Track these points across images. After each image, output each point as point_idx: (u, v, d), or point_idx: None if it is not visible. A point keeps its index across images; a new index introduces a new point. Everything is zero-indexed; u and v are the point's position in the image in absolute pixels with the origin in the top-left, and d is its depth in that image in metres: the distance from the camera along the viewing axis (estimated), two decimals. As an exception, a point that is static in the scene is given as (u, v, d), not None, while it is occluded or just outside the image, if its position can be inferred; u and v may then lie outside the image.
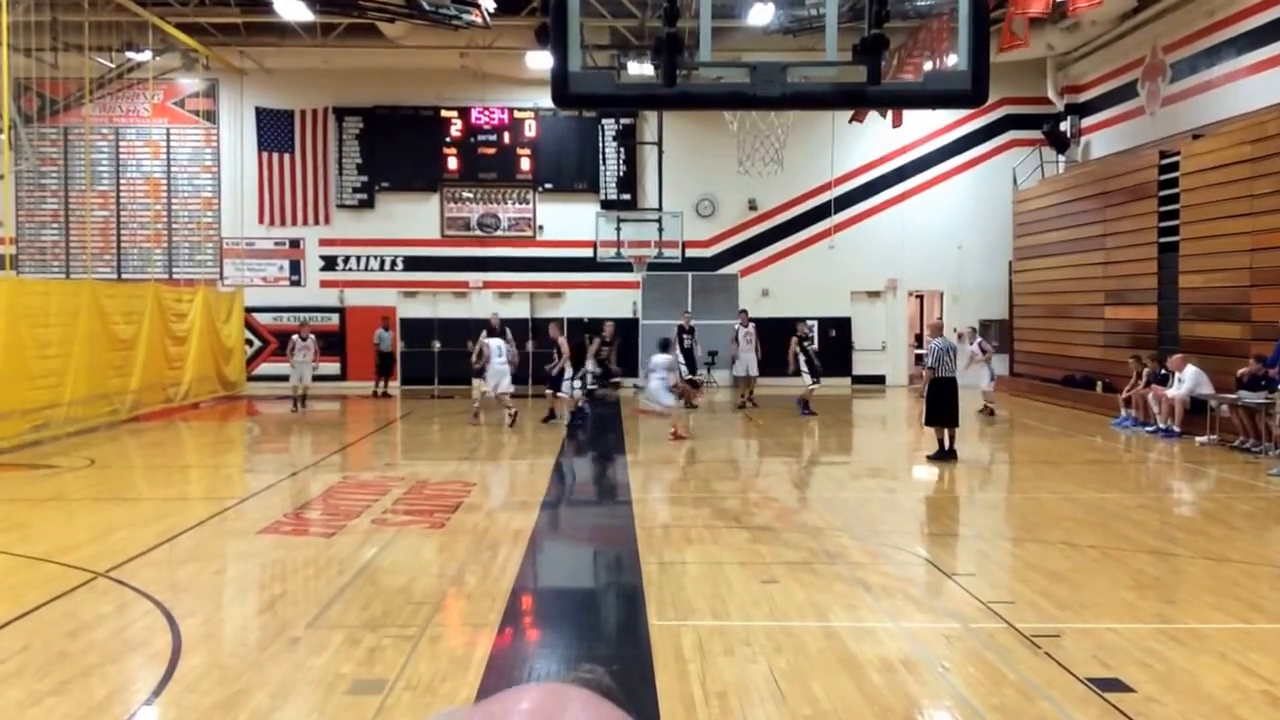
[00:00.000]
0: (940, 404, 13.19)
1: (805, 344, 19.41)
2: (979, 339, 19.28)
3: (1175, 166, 17.47)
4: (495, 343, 17.36)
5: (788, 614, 6.62)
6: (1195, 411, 15.34)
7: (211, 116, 24.59)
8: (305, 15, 19.92)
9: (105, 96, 23.78)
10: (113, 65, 22.55)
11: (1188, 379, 15.37)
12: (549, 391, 17.98)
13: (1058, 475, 12.46)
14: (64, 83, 22.58)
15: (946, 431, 13.25)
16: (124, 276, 23.96)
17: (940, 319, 16.39)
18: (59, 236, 24.45)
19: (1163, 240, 17.86)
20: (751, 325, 20.39)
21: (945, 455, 13.21)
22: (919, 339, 31.20)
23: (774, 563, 7.97)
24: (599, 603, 7.60)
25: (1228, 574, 7.69)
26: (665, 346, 16.10)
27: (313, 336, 20.45)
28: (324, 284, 24.75)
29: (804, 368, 18.96)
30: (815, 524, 9.50)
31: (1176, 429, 15.47)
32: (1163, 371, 16.23)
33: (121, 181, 24.53)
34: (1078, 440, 15.76)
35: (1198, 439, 14.90)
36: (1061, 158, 23.55)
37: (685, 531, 9.17)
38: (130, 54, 21.88)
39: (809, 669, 5.58)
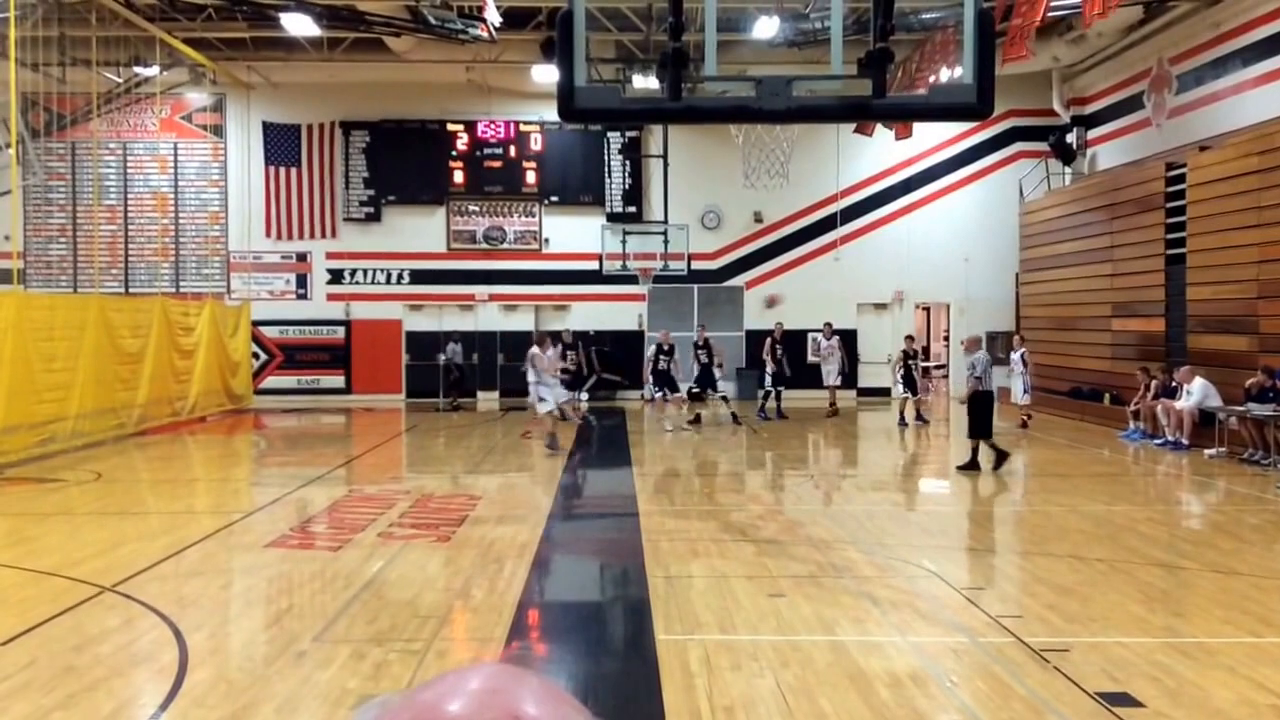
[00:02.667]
0: (984, 416, 13.39)
1: (910, 360, 19.78)
2: (1023, 349, 19.15)
3: (1182, 178, 17.44)
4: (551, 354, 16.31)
5: (795, 628, 6.60)
6: (1204, 424, 15.29)
7: (219, 131, 24.70)
8: (312, 30, 20.03)
9: (113, 111, 23.89)
10: (120, 80, 22.65)
11: (1196, 391, 15.32)
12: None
13: (1065, 488, 12.41)
14: (72, 98, 22.69)
15: (982, 443, 13.43)
16: (131, 290, 24.05)
17: (980, 334, 16.24)
18: (66, 251, 24.55)
19: (1170, 252, 17.81)
20: (836, 338, 20.77)
21: (976, 466, 13.41)
22: (926, 351, 31.18)
23: (781, 576, 7.94)
24: (605, 617, 7.57)
25: (1237, 587, 7.65)
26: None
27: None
28: (330, 297, 24.81)
29: (900, 381, 19.64)
30: (822, 537, 9.46)
31: (1185, 441, 15.41)
32: (1171, 384, 16.18)
33: (129, 196, 24.64)
34: (1085, 453, 15.70)
35: (1206, 451, 14.84)
36: (1068, 169, 23.53)
37: (691, 545, 9.14)
38: (138, 69, 22.00)
39: (816, 684, 5.55)
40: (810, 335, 24.48)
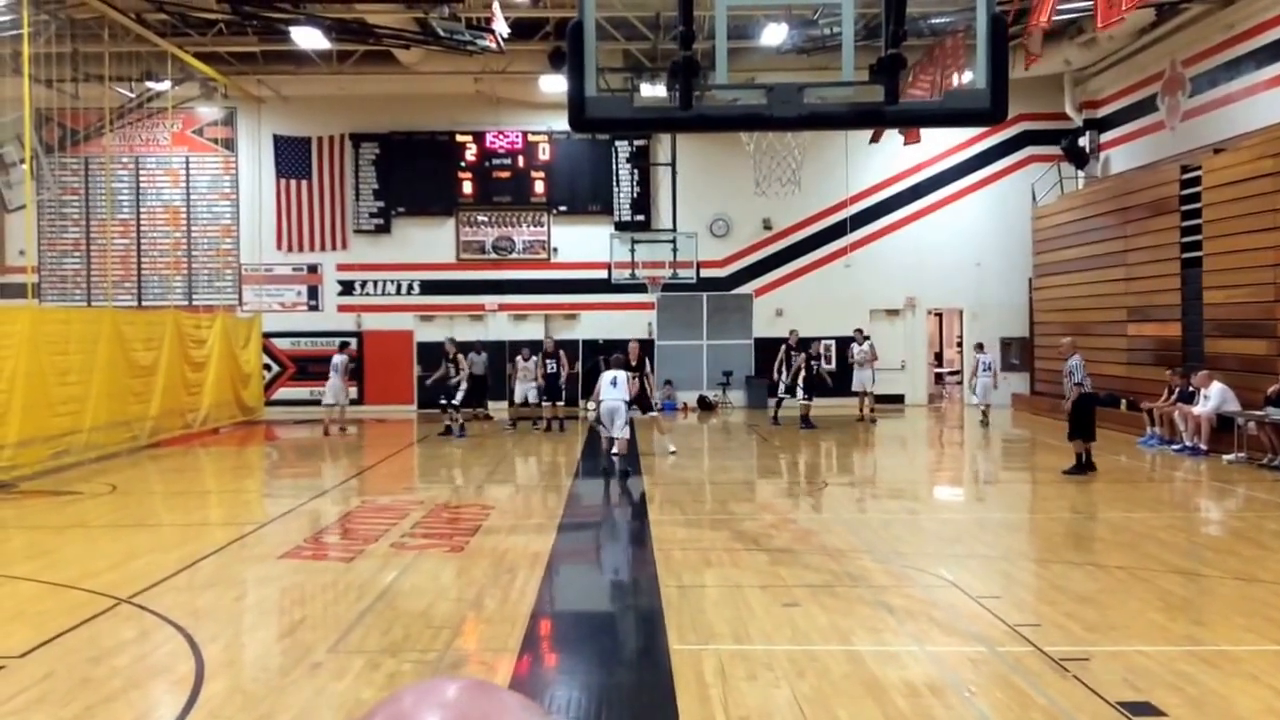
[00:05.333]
0: (1088, 419, 13.55)
1: (814, 363, 20.29)
2: (990, 355, 20.88)
3: (1196, 181, 17.35)
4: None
5: (810, 638, 6.55)
6: (1222, 429, 15.18)
7: (230, 144, 24.83)
8: (321, 43, 20.12)
9: (125, 126, 24.06)
10: (133, 95, 22.83)
11: (1214, 396, 15.21)
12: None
13: (1083, 494, 12.32)
14: (85, 113, 22.85)
15: (1085, 446, 13.57)
16: (144, 304, 24.18)
17: (1072, 337, 16.27)
18: (80, 265, 24.70)
19: (1185, 256, 17.71)
20: (869, 342, 21.21)
21: (1082, 469, 13.51)
22: (939, 357, 31.08)
23: (795, 585, 7.90)
24: (619, 627, 7.53)
25: (1258, 594, 7.57)
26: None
27: (534, 358, 20.41)
28: (341, 309, 24.89)
29: (801, 385, 20.06)
30: (836, 546, 9.41)
31: (1203, 447, 15.30)
32: (1189, 389, 16.07)
33: (142, 210, 24.77)
34: (1103, 459, 15.55)
35: (1225, 457, 14.73)
36: (1081, 173, 23.45)
37: (704, 554, 9.10)
38: (150, 84, 22.15)
39: (833, 694, 5.51)
40: (822, 343, 24.42)
